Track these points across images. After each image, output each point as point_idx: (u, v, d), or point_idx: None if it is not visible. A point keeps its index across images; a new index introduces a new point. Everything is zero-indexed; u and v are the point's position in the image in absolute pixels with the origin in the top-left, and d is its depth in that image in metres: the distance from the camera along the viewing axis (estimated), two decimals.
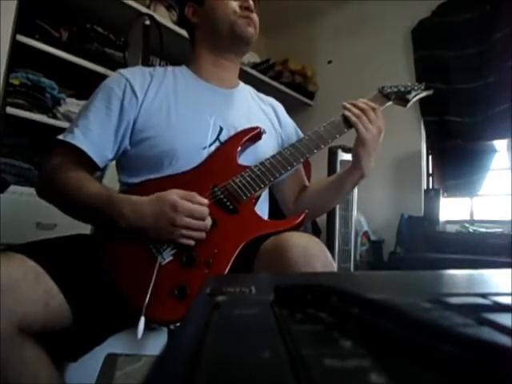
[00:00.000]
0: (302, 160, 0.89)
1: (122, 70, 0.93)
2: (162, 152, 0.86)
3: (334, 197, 1.01)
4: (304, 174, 1.09)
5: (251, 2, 0.95)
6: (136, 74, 0.92)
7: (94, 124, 0.85)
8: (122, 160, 0.91)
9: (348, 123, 0.92)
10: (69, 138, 0.83)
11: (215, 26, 0.95)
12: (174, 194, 0.74)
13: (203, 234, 0.75)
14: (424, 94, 1.06)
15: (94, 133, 0.85)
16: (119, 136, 0.87)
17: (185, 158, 0.87)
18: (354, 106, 0.92)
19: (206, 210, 0.75)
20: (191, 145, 0.88)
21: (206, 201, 0.76)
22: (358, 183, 0.95)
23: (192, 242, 0.75)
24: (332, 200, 1.03)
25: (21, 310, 0.62)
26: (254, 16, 0.95)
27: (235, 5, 0.93)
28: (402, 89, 1.04)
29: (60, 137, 0.85)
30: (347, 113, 0.91)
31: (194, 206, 0.74)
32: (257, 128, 0.93)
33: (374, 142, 0.90)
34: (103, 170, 1.02)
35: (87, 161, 0.84)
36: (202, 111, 0.92)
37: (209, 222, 0.76)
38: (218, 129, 0.91)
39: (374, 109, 0.91)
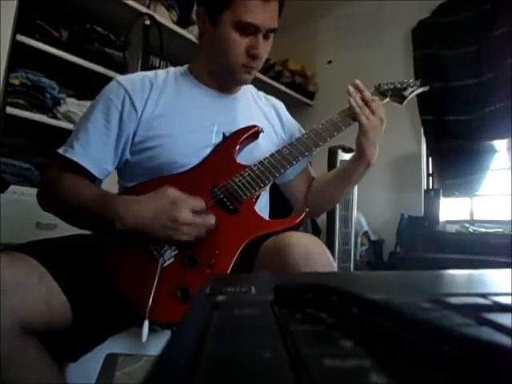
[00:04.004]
0: (300, 158, 0.89)
1: (120, 79, 0.90)
2: (161, 164, 0.85)
3: (342, 188, 1.02)
4: (312, 170, 1.09)
5: (260, 50, 0.87)
6: (135, 85, 0.89)
7: (94, 138, 0.84)
8: (122, 167, 0.91)
9: (348, 118, 0.93)
10: (69, 154, 0.82)
11: (218, 57, 0.90)
12: (173, 191, 0.75)
13: (203, 232, 0.75)
14: (420, 90, 1.05)
15: (94, 148, 0.84)
16: (119, 149, 0.87)
17: (185, 169, 0.86)
18: (359, 93, 0.93)
19: (204, 204, 0.76)
20: (192, 155, 0.87)
21: (202, 201, 0.77)
22: (365, 173, 0.96)
23: (191, 239, 0.74)
24: (340, 192, 1.03)
25: (24, 309, 0.62)
26: (258, 63, 0.90)
27: (243, 48, 0.86)
28: (399, 85, 1.04)
29: (60, 151, 0.84)
30: (351, 100, 0.92)
31: (195, 201, 0.75)
32: (255, 126, 0.92)
33: (376, 131, 0.91)
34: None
35: (87, 173, 0.83)
36: (204, 119, 0.91)
37: (212, 219, 0.76)
38: (221, 137, 0.91)
39: (374, 100, 0.93)
